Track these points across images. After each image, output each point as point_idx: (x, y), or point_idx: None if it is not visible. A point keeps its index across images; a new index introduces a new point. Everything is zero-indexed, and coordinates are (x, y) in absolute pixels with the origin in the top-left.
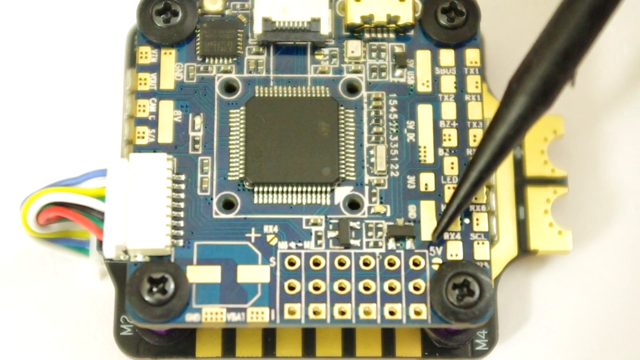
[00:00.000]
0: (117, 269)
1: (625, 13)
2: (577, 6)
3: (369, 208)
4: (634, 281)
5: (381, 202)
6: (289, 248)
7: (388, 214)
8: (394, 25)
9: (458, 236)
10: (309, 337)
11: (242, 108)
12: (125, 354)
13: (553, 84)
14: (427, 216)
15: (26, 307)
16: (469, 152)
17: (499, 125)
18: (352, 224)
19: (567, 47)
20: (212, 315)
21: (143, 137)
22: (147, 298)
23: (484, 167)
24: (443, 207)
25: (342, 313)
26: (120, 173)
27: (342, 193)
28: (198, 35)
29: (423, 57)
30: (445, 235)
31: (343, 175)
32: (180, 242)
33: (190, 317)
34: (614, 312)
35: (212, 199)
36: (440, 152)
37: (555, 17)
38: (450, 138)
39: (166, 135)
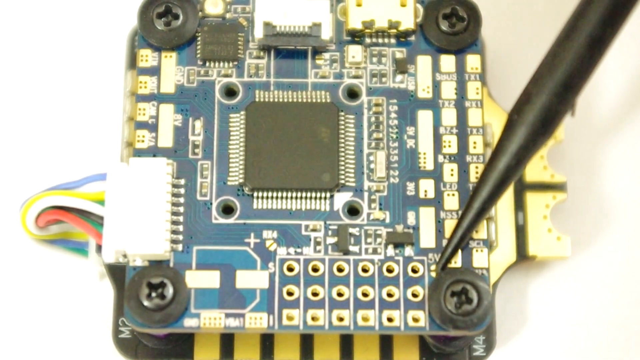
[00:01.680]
0: (116, 271)
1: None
2: (576, 36)
3: (368, 214)
4: (632, 287)
5: (380, 209)
6: (288, 254)
7: (387, 221)
8: (395, 30)
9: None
10: (307, 342)
11: (242, 112)
12: (123, 356)
13: (553, 114)
14: (427, 223)
15: (25, 309)
16: (469, 158)
17: (501, 156)
18: (351, 230)
19: (566, 77)
20: (210, 320)
21: (143, 141)
22: (145, 303)
23: (486, 198)
24: (442, 214)
25: (341, 319)
26: (119, 177)
27: (341, 199)
28: (199, 38)
29: (424, 62)
30: (445, 243)
31: (343, 181)
32: (180, 247)
33: (189, 322)
34: (613, 317)
35: (211, 203)
36: (440, 158)
37: (555, 48)
38: (451, 144)
39: (166, 139)
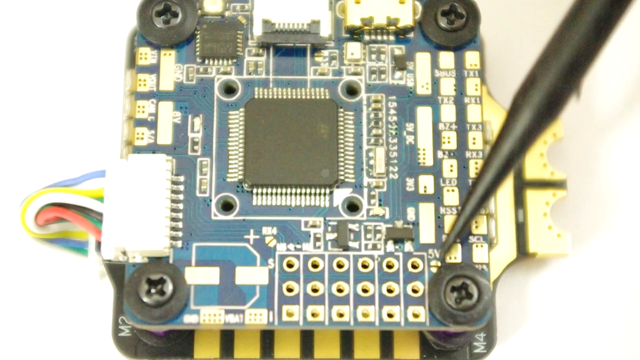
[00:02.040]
0: (116, 270)
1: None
2: (582, 18)
3: (368, 210)
4: (632, 283)
5: (380, 205)
6: (288, 250)
7: (387, 217)
8: (393, 27)
9: (457, 239)
10: (307, 339)
11: (241, 109)
12: (123, 355)
13: (559, 97)
14: (426, 219)
15: (24, 308)
16: (468, 154)
17: (505, 139)
18: (350, 226)
19: (572, 59)
20: (210, 316)
21: (142, 138)
22: (145, 299)
23: (490, 182)
24: (442, 210)
25: (341, 315)
26: (119, 174)
27: (341, 195)
28: (198, 36)
29: (423, 59)
30: (444, 238)
31: (342, 178)
32: (179, 244)
33: (189, 319)
34: (613, 314)
35: (211, 200)
36: (440, 154)
37: (560, 30)
38: (450, 140)
39: (165, 136)
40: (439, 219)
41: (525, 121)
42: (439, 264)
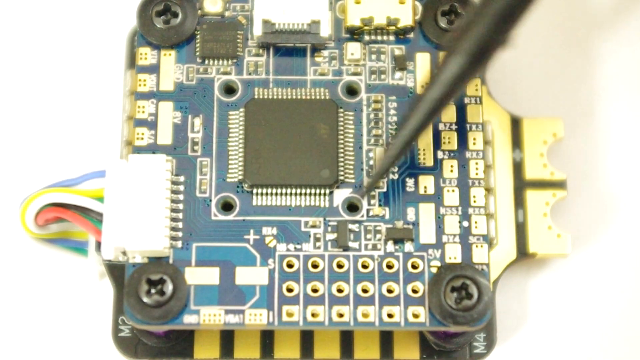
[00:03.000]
0: (116, 270)
1: (625, 15)
2: None
3: (368, 210)
4: (632, 284)
5: (380, 205)
6: (288, 250)
7: (387, 217)
8: (393, 27)
9: (457, 239)
10: (307, 339)
11: (241, 110)
12: (123, 355)
13: (489, 45)
14: (426, 219)
15: (24, 308)
16: (468, 154)
17: (436, 83)
18: (350, 226)
19: (505, 9)
20: (210, 317)
21: (142, 138)
22: (145, 299)
23: (418, 124)
24: (442, 210)
25: (341, 315)
26: (119, 174)
27: (341, 195)
28: (198, 36)
29: (423, 59)
30: (444, 238)
31: (342, 178)
32: (179, 244)
33: (189, 319)
34: (613, 315)
35: (211, 200)
36: (440, 154)
37: None
38: (450, 141)
39: (165, 136)
40: (439, 219)
41: (456, 66)
42: (439, 263)
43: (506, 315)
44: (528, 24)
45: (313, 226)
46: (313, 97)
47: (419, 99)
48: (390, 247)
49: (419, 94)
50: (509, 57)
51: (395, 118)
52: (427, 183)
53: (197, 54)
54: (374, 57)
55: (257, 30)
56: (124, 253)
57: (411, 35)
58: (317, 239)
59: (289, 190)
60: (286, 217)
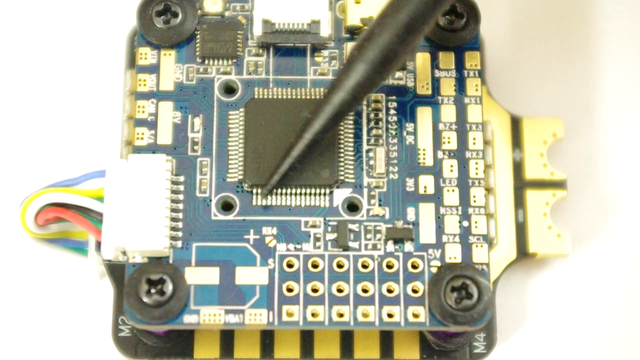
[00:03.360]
0: (116, 270)
1: (626, 14)
2: None
3: (368, 210)
4: (632, 284)
5: (380, 205)
6: (288, 250)
7: (387, 217)
8: None
9: (457, 239)
10: (307, 339)
11: (241, 109)
12: (123, 355)
13: (393, 54)
14: (426, 219)
15: (24, 308)
16: (469, 154)
17: (337, 89)
18: (350, 226)
19: (409, 20)
20: (210, 316)
21: (142, 138)
22: (145, 299)
23: (319, 130)
24: (442, 210)
25: (341, 315)
26: (119, 174)
27: (341, 195)
28: (198, 36)
29: (423, 59)
30: (444, 238)
31: (342, 178)
32: (179, 244)
33: (189, 319)
34: (613, 315)
35: (210, 200)
36: (440, 154)
37: None
38: (450, 141)
39: (165, 136)
40: (439, 219)
41: (358, 74)
42: (439, 263)
43: (506, 315)
44: (528, 25)
45: (313, 226)
46: (313, 97)
47: (323, 103)
48: (390, 247)
49: (324, 97)
50: (509, 57)
51: (395, 118)
52: (427, 183)
53: (197, 53)
54: None
55: (257, 30)
56: (124, 253)
57: None
58: (317, 239)
59: (289, 190)
60: (286, 217)
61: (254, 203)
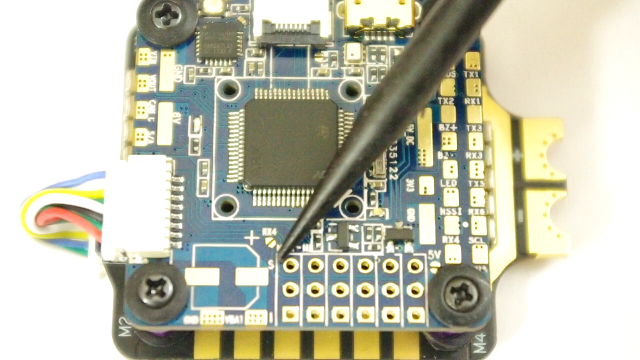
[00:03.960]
0: (116, 270)
1: (626, 14)
2: (430, 40)
3: (368, 211)
4: (632, 284)
5: (380, 206)
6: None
7: (387, 217)
8: (393, 28)
9: (457, 240)
10: (307, 340)
11: (241, 110)
12: (123, 355)
13: (403, 114)
14: (426, 220)
15: (24, 308)
16: (468, 155)
17: (349, 151)
18: (350, 227)
19: (418, 79)
20: (210, 317)
21: (142, 139)
22: (145, 300)
23: (332, 191)
24: (442, 211)
25: (340, 316)
26: (119, 175)
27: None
28: (198, 37)
29: None
30: (444, 239)
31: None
32: (179, 245)
33: (189, 320)
34: (613, 315)
35: (211, 201)
36: (440, 155)
37: (409, 49)
38: (450, 141)
39: (165, 137)
40: (439, 220)
41: (369, 135)
42: (439, 264)
43: (506, 315)
44: (528, 25)
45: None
46: (313, 98)
47: (335, 164)
48: (390, 247)
49: (336, 158)
50: (509, 57)
51: None
52: (427, 184)
53: (197, 54)
54: (374, 57)
55: (257, 30)
56: (124, 254)
57: (411, 35)
58: (317, 240)
59: (289, 191)
60: (286, 218)
61: (254, 204)
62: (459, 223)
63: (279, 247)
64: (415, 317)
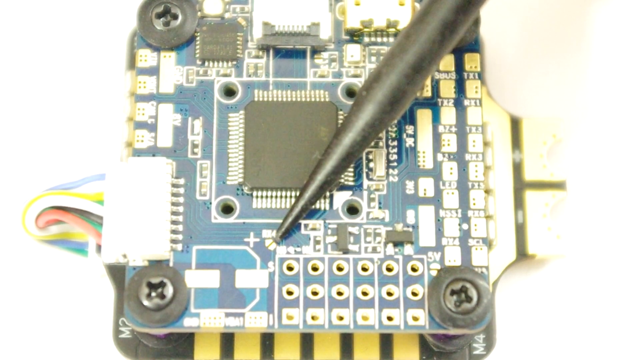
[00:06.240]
0: (116, 271)
1: (626, 15)
2: (429, 20)
3: (368, 213)
4: (632, 284)
5: (380, 208)
6: (288, 253)
7: (387, 219)
8: (393, 29)
9: (456, 242)
10: (307, 341)
11: (241, 112)
12: (124, 356)
13: (401, 94)
14: (426, 221)
15: (25, 309)
16: (468, 157)
17: (347, 131)
18: (350, 229)
19: (417, 59)
20: (210, 319)
21: (142, 141)
22: (145, 303)
23: (330, 171)
24: (442, 213)
25: (340, 318)
26: (119, 177)
27: (340, 198)
28: (198, 38)
29: None
30: (444, 241)
31: (342, 180)
32: (179, 247)
33: (189, 322)
34: (612, 315)
35: (211, 203)
36: (440, 157)
37: (408, 29)
38: (450, 143)
39: (165, 139)
40: (438, 222)
41: (368, 115)
42: (439, 266)
43: (506, 316)
44: (528, 25)
45: (313, 229)
46: (313, 99)
47: (333, 144)
48: (390, 249)
49: (334, 139)
50: (509, 57)
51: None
52: (426, 185)
53: (197, 56)
54: (373, 59)
55: (257, 32)
56: (124, 256)
57: None
58: (317, 242)
59: (289, 193)
60: None
61: (254, 206)
62: (459, 225)
63: (279, 249)
64: (415, 319)
